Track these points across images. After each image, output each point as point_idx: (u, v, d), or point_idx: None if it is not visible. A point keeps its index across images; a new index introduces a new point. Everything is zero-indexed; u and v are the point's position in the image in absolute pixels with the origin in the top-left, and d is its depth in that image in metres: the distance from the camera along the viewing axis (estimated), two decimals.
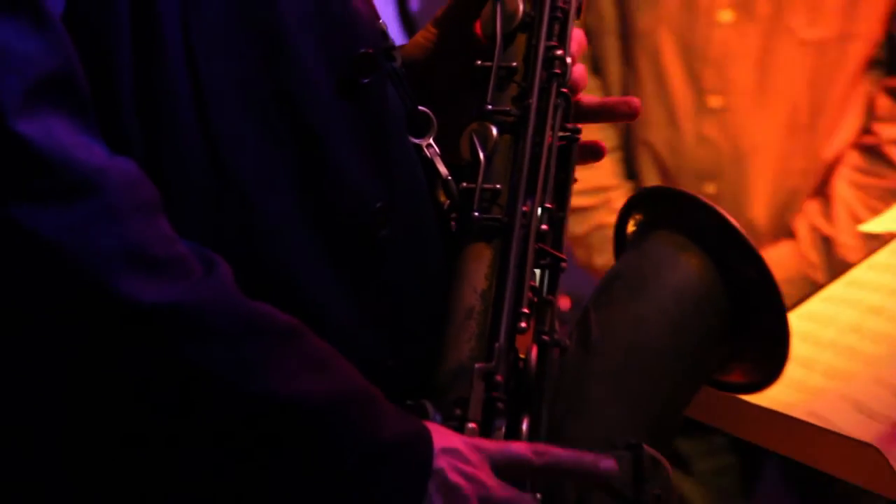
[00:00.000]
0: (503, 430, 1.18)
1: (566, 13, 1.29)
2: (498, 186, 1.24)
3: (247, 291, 1.11)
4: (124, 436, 1.10)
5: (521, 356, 1.21)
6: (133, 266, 1.05)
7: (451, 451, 1.12)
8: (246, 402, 1.08)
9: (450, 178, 1.26)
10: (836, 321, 1.61)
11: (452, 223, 1.26)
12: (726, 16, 2.11)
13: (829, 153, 2.19)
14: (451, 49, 1.34)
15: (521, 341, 1.23)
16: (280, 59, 1.16)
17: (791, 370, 1.38)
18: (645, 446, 1.19)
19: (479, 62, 1.28)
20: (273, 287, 1.13)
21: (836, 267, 2.16)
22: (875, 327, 1.57)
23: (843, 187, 2.17)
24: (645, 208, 1.35)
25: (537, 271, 1.25)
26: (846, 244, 2.16)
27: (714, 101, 2.14)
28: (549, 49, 1.28)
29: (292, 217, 1.16)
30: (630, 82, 2.18)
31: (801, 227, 2.19)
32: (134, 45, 1.11)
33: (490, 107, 1.26)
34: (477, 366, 1.18)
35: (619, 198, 2.15)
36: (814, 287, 2.15)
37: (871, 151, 2.17)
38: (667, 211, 1.33)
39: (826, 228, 2.18)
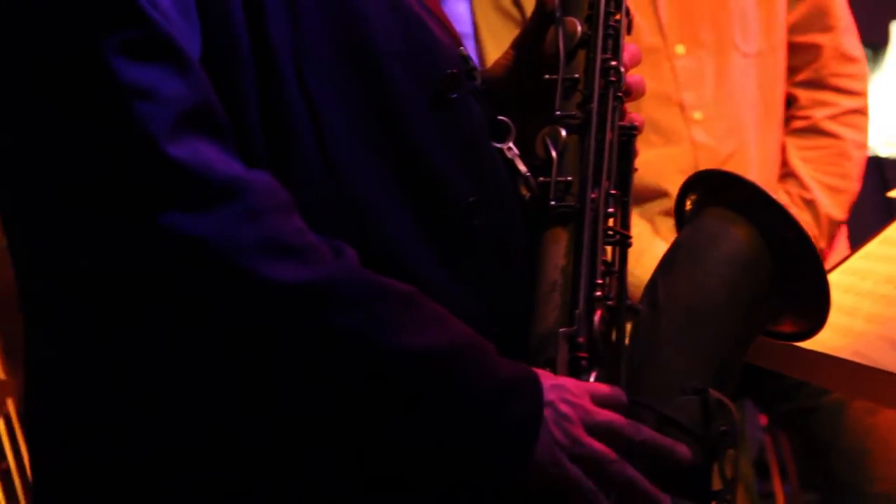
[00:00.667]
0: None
1: (617, 30, 1.31)
2: (569, 179, 1.25)
3: None
4: (285, 402, 1.11)
5: (600, 320, 1.21)
6: (272, 253, 1.08)
7: (558, 387, 1.14)
8: (382, 355, 1.10)
9: (529, 174, 1.27)
10: (874, 274, 1.59)
11: (534, 212, 1.26)
12: (680, 49, 2.21)
13: (780, 144, 2.30)
14: (526, 67, 1.36)
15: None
16: (379, 83, 1.18)
17: (836, 318, 1.37)
18: (711, 390, 1.19)
19: (547, 76, 1.30)
20: (385, 272, 1.14)
21: (824, 223, 2.24)
22: None
23: (801, 165, 2.27)
24: (699, 189, 1.35)
25: (608, 248, 1.26)
26: (826, 203, 2.24)
27: (697, 115, 2.21)
28: (605, 61, 1.29)
29: (400, 214, 1.18)
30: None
31: (782, 197, 2.27)
32: (257, 80, 1.14)
33: (559, 112, 1.28)
34: (561, 330, 1.19)
35: None
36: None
37: (809, 131, 2.28)
38: (717, 190, 1.33)
39: (807, 195, 2.26)
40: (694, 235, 1.32)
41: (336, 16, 1.17)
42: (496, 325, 1.20)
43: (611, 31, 1.30)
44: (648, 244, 2.15)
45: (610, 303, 1.22)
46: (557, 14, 1.30)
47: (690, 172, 2.15)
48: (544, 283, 1.22)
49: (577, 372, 1.19)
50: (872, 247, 1.66)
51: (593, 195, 1.24)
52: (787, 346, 1.37)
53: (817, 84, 2.28)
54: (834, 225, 2.26)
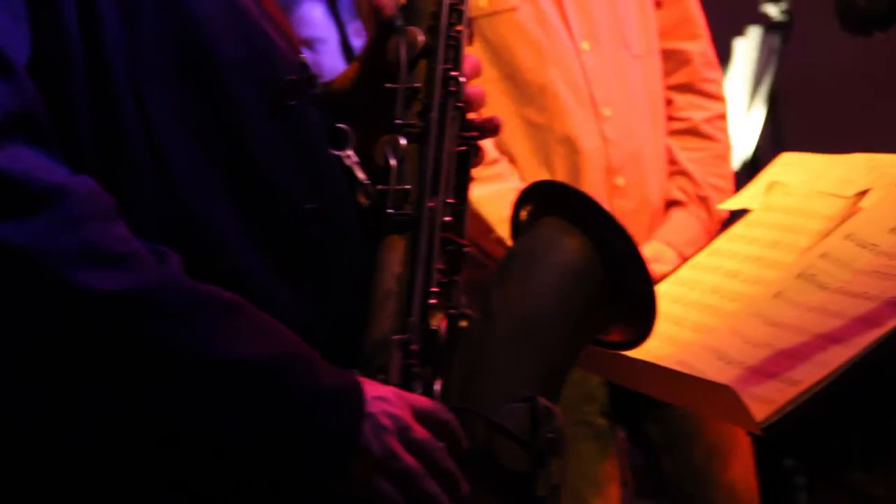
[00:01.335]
0: (419, 390, 1.20)
1: (458, 41, 1.32)
2: (408, 187, 1.26)
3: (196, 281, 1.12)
4: (105, 411, 1.11)
5: (434, 328, 1.23)
6: (91, 261, 1.07)
7: (380, 398, 1.15)
8: (203, 366, 1.09)
9: (367, 182, 1.27)
10: (701, 284, 1.63)
11: (371, 219, 1.27)
12: (585, 45, 2.26)
13: (664, 144, 2.38)
14: (370, 77, 1.36)
15: (434, 316, 1.25)
16: (215, 89, 1.17)
17: (664, 327, 1.41)
18: (539, 398, 1.21)
19: (388, 85, 1.30)
20: (218, 281, 1.14)
21: (715, 219, 2.33)
22: (732, 288, 1.59)
23: (690, 165, 2.35)
24: (534, 200, 1.37)
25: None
26: (715, 199, 2.32)
27: (606, 111, 2.25)
28: (446, 71, 1.30)
29: (234, 221, 1.17)
30: (517, 117, 2.25)
31: (679, 195, 2.33)
32: (89, 84, 1.12)
33: (399, 121, 1.28)
34: (395, 337, 1.20)
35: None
36: (709, 239, 2.28)
37: (690, 133, 2.36)
38: (552, 201, 1.35)
39: (701, 192, 2.33)
40: (528, 245, 1.34)
41: (173, 21, 1.16)
42: (328, 333, 1.20)
43: (452, 42, 1.32)
44: None
45: (452, 311, 1.23)
46: (398, 23, 1.31)
47: (603, 168, 2.25)
48: (380, 291, 1.23)
49: (410, 379, 1.19)
50: (701, 258, 1.70)
51: (431, 204, 1.25)
52: (615, 354, 1.39)
53: (690, 88, 2.37)
54: (721, 223, 2.32)
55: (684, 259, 2.03)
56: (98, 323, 1.07)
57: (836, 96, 3.86)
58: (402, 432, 1.14)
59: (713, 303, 1.58)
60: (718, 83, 2.41)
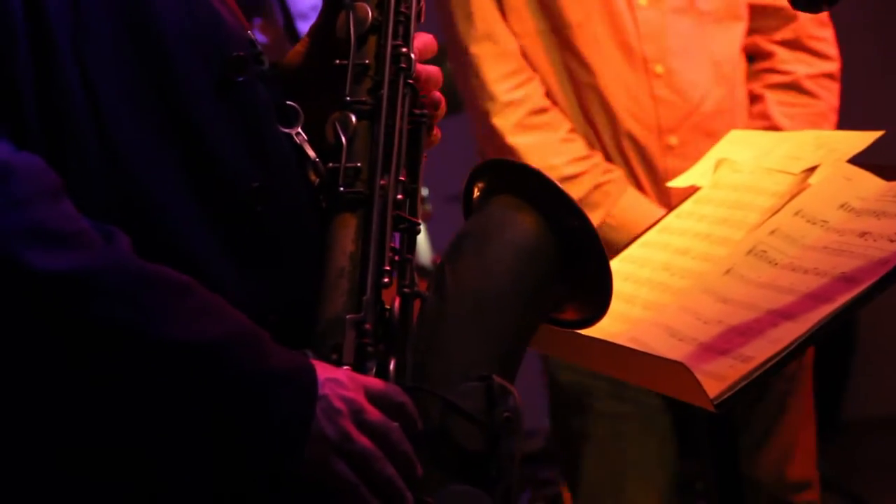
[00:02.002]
0: (374, 370, 1.18)
1: (408, 17, 1.30)
2: (359, 165, 1.24)
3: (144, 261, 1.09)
4: (46, 392, 1.08)
5: (387, 307, 1.21)
6: (36, 241, 1.04)
7: (333, 380, 1.13)
8: (151, 348, 1.07)
9: (318, 160, 1.25)
10: (651, 262, 1.63)
11: (323, 198, 1.25)
12: (642, 1, 2.19)
13: (738, 106, 2.28)
14: (319, 53, 1.34)
15: (387, 295, 1.24)
16: (162, 64, 1.15)
17: (615, 305, 1.39)
18: (495, 377, 1.20)
19: (337, 61, 1.28)
20: (166, 259, 1.12)
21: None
22: (682, 265, 1.59)
23: (784, 122, 2.25)
24: (486, 177, 1.35)
25: (397, 234, 1.26)
26: None
27: (658, 69, 2.19)
28: (396, 47, 1.28)
29: (181, 199, 1.15)
30: (564, 72, 2.21)
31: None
32: (33, 59, 1.09)
33: (349, 98, 1.26)
34: (348, 317, 1.18)
35: (601, 160, 2.20)
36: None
37: (791, 87, 2.27)
38: (504, 178, 1.33)
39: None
40: (481, 223, 1.32)
41: None
42: (277, 312, 1.18)
43: (402, 18, 1.29)
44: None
45: (406, 290, 1.21)
46: None
47: (653, 127, 2.20)
48: (332, 269, 1.21)
49: (364, 358, 1.18)
50: (651, 235, 1.70)
51: (383, 181, 1.23)
52: (567, 332, 1.38)
53: (796, 44, 2.27)
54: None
55: None
56: (44, 304, 1.04)
57: None
58: (356, 414, 1.12)
59: (664, 280, 1.58)
60: (829, 42, 2.27)
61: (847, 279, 1.39)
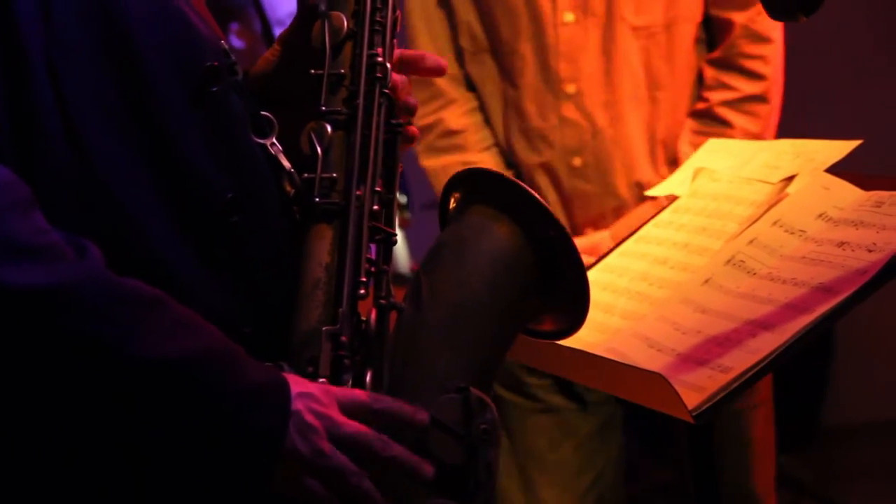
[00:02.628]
0: (350, 382, 1.18)
1: (384, 26, 1.29)
2: (334, 175, 1.23)
3: (117, 274, 1.08)
4: (17, 408, 1.07)
5: (364, 318, 1.21)
6: (7, 255, 1.03)
7: (306, 395, 1.12)
8: (123, 365, 1.06)
9: (293, 170, 1.25)
10: (629, 271, 1.63)
11: (297, 209, 1.24)
12: (569, 17, 2.18)
13: (674, 124, 2.25)
14: (293, 62, 1.33)
15: (363, 306, 1.23)
16: (135, 74, 1.14)
17: (593, 314, 1.39)
18: (471, 389, 1.19)
19: (313, 71, 1.27)
20: (139, 271, 1.11)
21: None
22: (660, 275, 1.59)
23: (687, 150, 2.23)
24: (462, 187, 1.34)
25: (373, 245, 1.26)
26: None
27: (570, 88, 2.18)
28: (371, 57, 1.27)
29: (155, 210, 1.14)
30: (508, 91, 2.21)
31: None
32: (3, 69, 1.08)
33: (324, 108, 1.26)
34: (324, 329, 1.18)
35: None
36: None
37: (705, 115, 2.24)
38: (480, 188, 1.33)
39: None
40: (457, 233, 1.31)
41: (91, 3, 1.12)
42: (251, 324, 1.18)
43: (377, 27, 1.29)
44: None
45: (383, 301, 1.21)
46: (322, 8, 1.28)
47: (557, 149, 2.20)
48: (308, 281, 1.20)
49: (341, 371, 1.17)
50: (629, 245, 1.70)
51: (359, 192, 1.23)
52: (544, 342, 1.37)
53: (725, 64, 2.22)
54: None
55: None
56: (14, 319, 1.03)
57: None
58: (330, 429, 1.12)
59: (642, 290, 1.58)
60: (766, 59, 2.20)
61: (825, 289, 1.39)
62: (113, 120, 1.13)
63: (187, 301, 1.12)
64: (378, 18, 1.29)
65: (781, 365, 1.36)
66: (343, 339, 1.18)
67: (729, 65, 2.22)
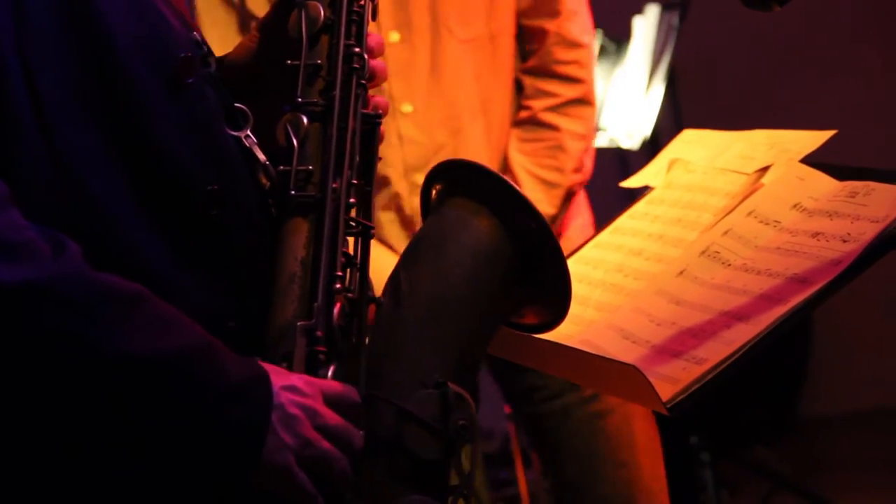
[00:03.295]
0: (326, 378, 1.17)
1: (361, 16, 1.30)
2: (310, 168, 1.24)
3: (96, 270, 1.09)
4: (7, 404, 1.08)
5: (340, 312, 1.20)
6: None
7: (289, 388, 1.13)
8: (102, 361, 1.07)
9: (268, 163, 1.25)
10: (604, 263, 1.63)
11: (273, 202, 1.25)
12: (394, 37, 2.20)
13: (503, 135, 2.29)
14: (269, 51, 1.34)
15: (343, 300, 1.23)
16: (109, 68, 1.14)
17: None
18: (450, 384, 1.20)
19: (289, 61, 1.28)
20: (119, 266, 1.11)
21: None
22: (635, 266, 1.59)
23: (518, 157, 2.27)
24: (443, 179, 1.35)
25: (350, 239, 1.25)
26: (538, 199, 2.25)
27: (406, 108, 2.20)
28: (348, 47, 1.28)
29: (132, 205, 1.14)
30: None
31: None
32: None
33: (300, 99, 1.26)
34: (299, 324, 1.18)
35: None
36: None
37: (529, 122, 2.29)
38: (461, 180, 1.33)
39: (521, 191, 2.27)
40: (437, 226, 1.32)
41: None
42: (233, 319, 1.18)
43: (354, 17, 1.29)
44: None
45: (351, 295, 1.22)
46: None
47: (399, 168, 2.20)
48: (283, 275, 1.20)
49: (316, 366, 1.18)
50: (604, 236, 1.71)
51: (335, 185, 1.23)
52: (521, 335, 1.38)
53: (541, 72, 2.28)
54: (548, 220, 2.30)
55: None
56: None
57: (735, 74, 3.93)
58: (314, 419, 1.13)
59: (617, 281, 1.59)
60: (580, 64, 2.28)
61: (800, 280, 1.40)
62: (87, 113, 1.13)
63: (169, 297, 1.13)
64: (355, 8, 1.29)
65: (756, 356, 1.37)
66: (318, 334, 1.18)
67: (545, 72, 2.29)
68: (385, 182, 2.20)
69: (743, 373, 1.37)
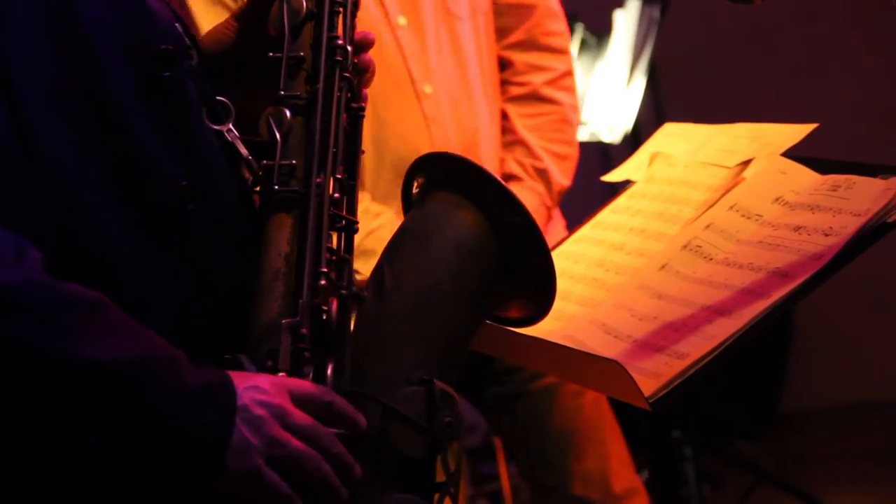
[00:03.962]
0: (311, 376, 1.18)
1: (345, 6, 1.29)
2: (294, 162, 1.23)
3: (67, 270, 1.09)
4: None
5: (325, 308, 1.20)
6: None
7: (252, 388, 1.13)
8: (62, 368, 1.07)
9: (251, 157, 1.25)
10: (586, 257, 1.63)
11: (257, 197, 1.25)
12: (402, 20, 2.20)
13: (499, 111, 2.31)
14: (249, 43, 1.33)
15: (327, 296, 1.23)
16: (84, 60, 1.13)
17: None
18: (435, 381, 1.20)
19: (271, 54, 1.27)
20: (92, 262, 1.11)
21: (555, 191, 2.29)
22: (617, 260, 1.59)
23: (528, 134, 2.29)
24: (426, 172, 1.35)
25: (334, 234, 1.25)
26: (555, 171, 2.28)
27: (427, 88, 2.20)
28: (332, 39, 1.27)
29: (105, 200, 1.14)
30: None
31: (516, 168, 2.29)
32: None
33: (283, 93, 1.26)
34: (284, 321, 1.18)
35: (369, 203, 2.19)
36: (548, 213, 2.27)
37: (530, 97, 2.30)
38: (444, 173, 1.33)
39: (539, 164, 2.29)
40: (420, 220, 1.32)
41: None
42: (209, 315, 1.18)
43: (338, 9, 1.29)
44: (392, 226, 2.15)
45: (336, 291, 1.21)
46: None
47: (427, 149, 2.19)
48: (267, 272, 1.20)
49: (300, 364, 1.17)
50: (585, 231, 1.72)
51: (318, 179, 1.23)
52: (502, 330, 1.38)
53: (530, 45, 2.29)
54: (561, 193, 2.31)
55: None
56: None
57: (716, 67, 3.95)
58: (281, 418, 1.13)
59: (599, 276, 1.59)
60: (563, 35, 2.31)
61: (782, 274, 1.41)
62: (61, 106, 1.12)
63: (142, 293, 1.13)
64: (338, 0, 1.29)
65: (738, 350, 1.38)
66: (303, 331, 1.18)
67: (535, 45, 2.29)
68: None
69: (725, 367, 1.38)
